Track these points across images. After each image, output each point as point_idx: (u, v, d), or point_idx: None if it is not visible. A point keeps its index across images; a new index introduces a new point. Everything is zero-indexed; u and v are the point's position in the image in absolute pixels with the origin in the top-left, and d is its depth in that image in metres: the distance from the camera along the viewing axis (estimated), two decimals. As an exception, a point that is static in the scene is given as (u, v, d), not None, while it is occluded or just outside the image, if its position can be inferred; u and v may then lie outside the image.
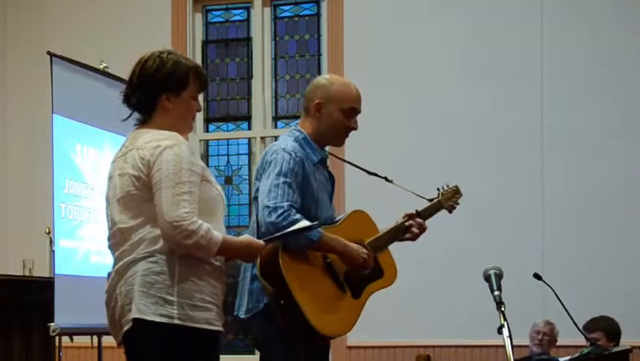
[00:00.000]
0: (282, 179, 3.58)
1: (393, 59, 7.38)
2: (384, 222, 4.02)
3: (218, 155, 7.96)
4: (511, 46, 7.15)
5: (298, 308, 3.53)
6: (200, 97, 3.36)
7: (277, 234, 3.42)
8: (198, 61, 6.84)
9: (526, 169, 7.06)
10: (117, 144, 5.73)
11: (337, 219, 3.85)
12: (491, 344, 6.54)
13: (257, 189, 3.70)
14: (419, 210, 4.07)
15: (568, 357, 5.37)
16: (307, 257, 3.63)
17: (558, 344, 6.24)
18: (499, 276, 3.32)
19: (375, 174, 4.29)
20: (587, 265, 6.85)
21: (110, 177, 3.24)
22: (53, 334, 5.54)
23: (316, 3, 7.79)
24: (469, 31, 7.24)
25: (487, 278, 3.32)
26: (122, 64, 6.04)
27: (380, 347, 7.19)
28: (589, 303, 6.15)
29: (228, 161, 7.93)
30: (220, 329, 3.16)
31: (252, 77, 7.87)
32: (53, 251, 5.82)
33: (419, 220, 4.02)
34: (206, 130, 7.97)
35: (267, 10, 7.86)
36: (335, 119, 3.81)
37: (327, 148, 3.97)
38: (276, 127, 7.75)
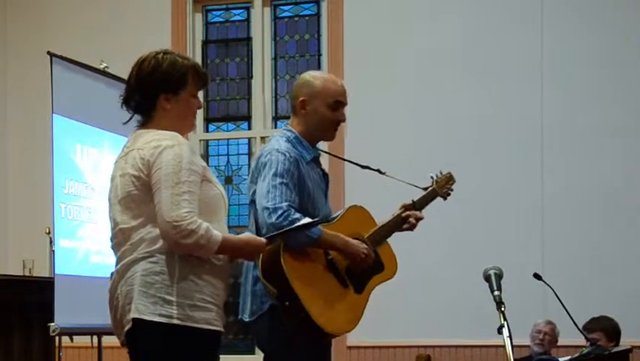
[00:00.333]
0: (278, 180, 3.60)
1: (393, 59, 7.38)
2: (385, 218, 4.03)
3: (218, 155, 7.97)
4: (511, 46, 7.15)
5: (303, 308, 3.54)
6: (200, 97, 3.36)
7: (278, 231, 3.43)
8: (198, 61, 6.84)
9: (526, 169, 7.06)
10: (117, 144, 5.78)
11: (335, 215, 3.86)
12: (491, 344, 6.54)
13: (253, 192, 3.71)
14: (415, 200, 4.09)
15: (568, 357, 5.37)
16: (309, 255, 3.64)
17: (558, 344, 6.24)
18: (499, 276, 3.31)
19: (368, 167, 4.31)
20: (587, 265, 6.85)
21: (112, 178, 3.24)
22: (53, 334, 5.54)
23: (316, 3, 7.80)
24: (469, 31, 7.24)
25: (487, 278, 3.32)
26: (122, 64, 6.04)
27: (380, 347, 7.19)
28: (589, 303, 6.16)
29: (228, 161, 7.93)
30: (220, 329, 3.16)
31: (252, 77, 7.87)
32: (53, 251, 5.82)
33: (415, 213, 4.03)
34: (206, 130, 7.97)
35: (267, 10, 7.86)
36: (321, 115, 3.81)
37: (323, 145, 3.96)
38: (276, 127, 7.74)
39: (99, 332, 5.98)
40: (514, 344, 3.13)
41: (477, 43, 7.22)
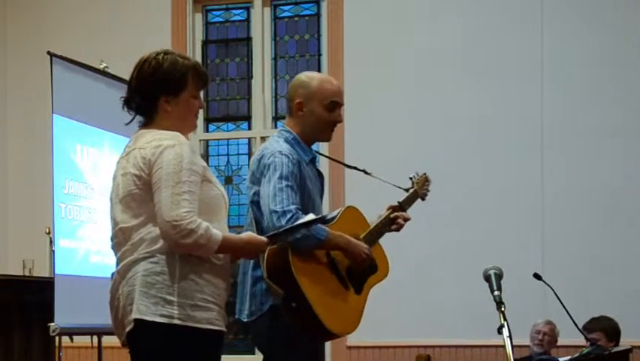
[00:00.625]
0: (284, 182, 3.60)
1: (394, 59, 7.38)
2: (373, 219, 4.06)
3: (218, 155, 7.97)
4: (511, 46, 7.15)
5: (311, 310, 3.54)
6: (201, 96, 3.36)
7: (280, 230, 3.43)
8: (198, 61, 6.84)
9: (526, 169, 7.06)
10: (117, 143, 5.79)
11: (332, 216, 3.87)
12: (491, 344, 6.54)
13: (254, 193, 3.71)
14: (400, 201, 4.12)
15: (568, 357, 5.37)
16: (314, 257, 3.65)
17: (558, 344, 6.25)
18: (499, 276, 3.31)
19: (355, 168, 4.33)
20: (587, 265, 6.86)
21: (114, 178, 3.25)
22: (53, 334, 5.54)
23: (316, 3, 7.79)
24: (469, 31, 7.24)
25: (487, 278, 3.32)
26: (122, 64, 6.04)
27: (380, 347, 7.19)
28: (589, 303, 6.16)
29: (228, 161, 7.93)
30: (222, 329, 3.16)
31: (252, 77, 7.87)
32: (53, 251, 5.82)
33: (403, 213, 4.06)
34: (206, 130, 7.97)
35: (267, 10, 7.86)
36: (318, 116, 3.79)
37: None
38: (275, 127, 7.74)
39: (99, 332, 5.98)
40: (514, 344, 3.13)
41: (477, 43, 7.23)
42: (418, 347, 7.10)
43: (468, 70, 7.20)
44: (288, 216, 3.52)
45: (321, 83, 3.81)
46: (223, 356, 3.27)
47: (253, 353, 7.29)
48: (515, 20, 7.17)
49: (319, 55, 7.76)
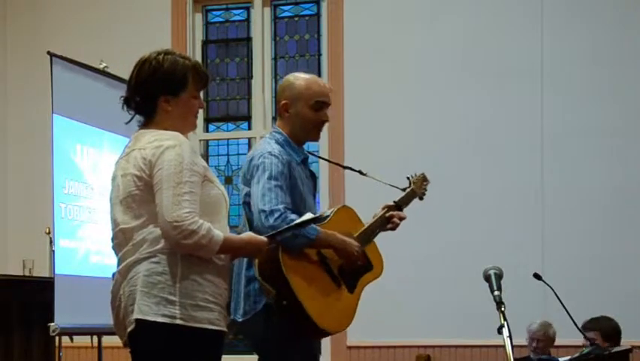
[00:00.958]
0: (273, 182, 3.64)
1: (393, 59, 7.38)
2: (369, 218, 4.06)
3: (218, 155, 7.97)
4: (511, 46, 7.15)
5: (302, 308, 3.57)
6: (201, 96, 3.36)
7: (280, 229, 3.46)
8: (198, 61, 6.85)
9: (526, 169, 7.06)
10: (117, 144, 5.79)
11: (326, 215, 3.89)
12: (491, 344, 6.54)
13: (246, 194, 3.77)
14: (396, 200, 4.15)
15: (568, 357, 5.37)
16: (305, 255, 3.67)
17: (558, 344, 6.24)
18: (499, 276, 3.31)
19: (350, 168, 4.39)
20: (587, 265, 6.85)
21: (114, 178, 3.24)
22: (53, 334, 5.54)
23: (316, 3, 7.79)
24: (468, 31, 7.24)
25: (487, 278, 3.32)
26: (122, 64, 6.03)
27: (380, 347, 7.19)
28: (589, 303, 6.15)
29: (228, 161, 7.93)
30: (223, 329, 3.16)
31: (252, 77, 7.87)
32: (53, 251, 5.82)
33: (399, 213, 4.09)
34: (206, 130, 7.97)
35: (267, 10, 7.86)
36: (304, 116, 3.83)
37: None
38: (276, 127, 7.74)
39: (99, 332, 5.98)
40: (514, 344, 3.13)
41: (477, 43, 7.23)
42: (418, 347, 7.10)
43: (468, 70, 7.20)
44: (276, 215, 3.56)
45: (306, 83, 3.85)
46: (223, 356, 3.27)
47: (253, 354, 7.27)
48: (515, 21, 7.17)
49: (319, 55, 7.76)
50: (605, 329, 5.65)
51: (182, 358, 3.06)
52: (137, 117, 3.27)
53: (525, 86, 7.09)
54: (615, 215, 6.91)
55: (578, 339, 5.61)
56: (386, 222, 4.04)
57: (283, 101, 3.85)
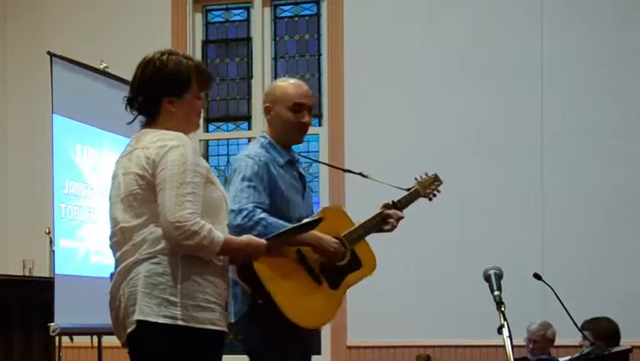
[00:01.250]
0: (245, 183, 3.72)
1: (393, 59, 7.38)
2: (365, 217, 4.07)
3: (218, 155, 7.97)
4: (511, 46, 7.15)
5: (275, 304, 3.63)
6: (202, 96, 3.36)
7: (279, 231, 3.48)
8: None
9: (526, 169, 7.06)
10: (117, 143, 5.79)
11: (313, 215, 3.92)
12: (491, 344, 6.54)
13: None
14: (396, 200, 4.17)
15: (568, 357, 5.37)
16: (281, 253, 3.70)
17: (558, 344, 6.24)
18: (499, 276, 3.31)
19: (350, 171, 4.45)
20: (587, 265, 6.86)
21: (114, 176, 3.23)
22: (53, 334, 5.54)
23: (316, 3, 7.79)
24: (468, 31, 7.25)
25: (487, 278, 3.32)
26: (122, 64, 6.04)
27: (380, 347, 7.19)
28: (589, 303, 6.15)
29: (228, 161, 7.93)
30: (224, 329, 3.16)
31: (252, 77, 7.87)
32: (53, 251, 5.82)
33: (396, 212, 4.10)
34: (206, 130, 7.97)
35: (267, 10, 7.86)
36: (284, 118, 3.91)
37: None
38: (276, 127, 7.74)
39: (99, 332, 5.98)
40: (514, 344, 3.13)
41: (477, 43, 7.22)
42: (418, 347, 7.10)
43: (468, 70, 7.20)
44: (244, 213, 3.63)
45: (286, 86, 3.97)
46: (223, 357, 3.27)
47: (253, 353, 7.29)
48: (515, 21, 7.17)
49: (319, 55, 7.76)
50: (597, 330, 5.61)
51: (183, 359, 3.06)
52: (139, 117, 3.27)
53: (525, 86, 7.09)
54: (615, 215, 6.91)
55: (578, 339, 5.62)
56: (382, 221, 4.07)
57: (266, 105, 3.97)
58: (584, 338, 5.36)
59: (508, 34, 7.17)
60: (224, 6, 8.00)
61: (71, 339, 6.13)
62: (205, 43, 8.00)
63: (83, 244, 5.92)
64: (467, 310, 6.79)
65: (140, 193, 3.11)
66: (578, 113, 7.01)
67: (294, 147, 4.06)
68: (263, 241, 3.28)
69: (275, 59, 7.86)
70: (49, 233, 6.07)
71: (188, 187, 3.03)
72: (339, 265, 3.86)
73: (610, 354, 4.90)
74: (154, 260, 3.06)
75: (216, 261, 3.14)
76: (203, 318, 3.07)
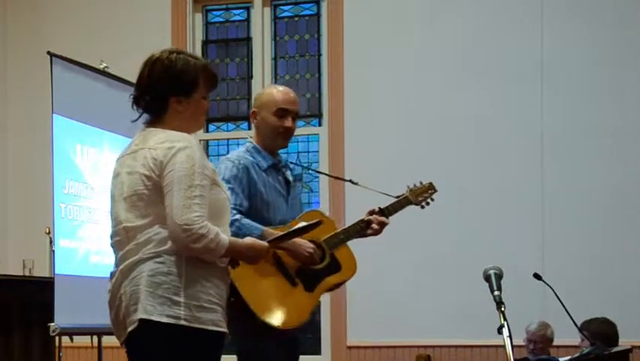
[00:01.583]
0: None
1: (393, 59, 7.38)
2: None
3: (218, 155, 7.96)
4: (511, 46, 7.15)
5: (246, 305, 3.69)
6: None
7: (281, 234, 3.52)
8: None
9: (526, 169, 7.06)
10: (117, 143, 5.79)
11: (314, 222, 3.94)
12: (491, 344, 6.54)
13: None
14: (382, 207, 4.21)
15: (568, 357, 5.36)
16: None
17: (558, 344, 6.25)
18: (499, 276, 3.31)
19: (340, 178, 4.62)
20: (587, 265, 6.85)
21: (117, 175, 3.21)
22: (53, 334, 5.54)
23: (316, 3, 7.79)
24: (469, 31, 7.24)
25: (487, 278, 3.32)
26: (122, 64, 6.05)
27: (380, 347, 7.19)
28: (589, 303, 6.15)
29: (228, 161, 7.92)
30: (225, 330, 3.16)
31: (252, 77, 7.87)
32: (53, 251, 5.82)
33: (378, 217, 4.15)
34: (206, 130, 7.97)
35: (267, 10, 7.86)
36: (269, 123, 4.02)
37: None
38: (276, 127, 7.73)
39: (99, 332, 5.98)
40: (514, 344, 3.13)
41: (477, 43, 7.22)
42: (418, 347, 7.10)
43: (468, 70, 7.20)
44: None
45: (273, 92, 4.09)
46: (223, 356, 3.27)
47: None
48: (515, 21, 7.17)
49: (319, 55, 7.76)
50: (592, 331, 5.61)
51: (184, 359, 3.06)
52: (143, 115, 3.26)
53: (525, 86, 7.09)
54: (615, 215, 6.91)
55: (578, 339, 5.62)
56: (365, 227, 4.12)
57: (252, 110, 4.09)
58: (584, 338, 5.35)
59: (508, 34, 7.17)
60: (224, 6, 8.00)
61: (71, 339, 6.13)
62: (205, 43, 8.00)
63: (83, 244, 5.92)
64: (467, 310, 6.79)
65: (146, 194, 3.10)
66: (578, 113, 7.01)
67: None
68: (265, 243, 3.29)
69: (275, 59, 7.86)
70: (49, 233, 6.07)
71: (196, 190, 3.03)
72: (315, 268, 3.93)
73: (610, 354, 4.90)
74: (158, 260, 3.06)
75: (218, 262, 3.14)
76: (206, 319, 3.07)
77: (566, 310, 4.72)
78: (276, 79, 7.82)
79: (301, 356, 4.09)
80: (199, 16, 7.97)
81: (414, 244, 6.98)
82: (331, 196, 7.30)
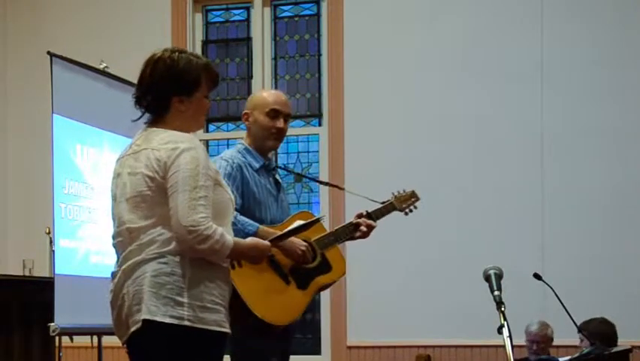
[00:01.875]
0: None
1: (393, 59, 7.38)
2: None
3: (218, 155, 7.96)
4: (511, 46, 7.15)
5: (243, 302, 3.71)
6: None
7: (281, 233, 3.53)
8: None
9: (526, 169, 7.06)
10: (117, 143, 5.79)
11: (315, 219, 3.99)
12: (491, 344, 6.54)
13: None
14: (369, 210, 4.28)
15: (568, 357, 5.37)
16: None
17: (558, 344, 6.25)
18: (499, 276, 3.31)
19: (328, 184, 4.83)
20: (587, 265, 6.85)
21: (118, 175, 3.20)
22: (53, 334, 5.53)
23: (316, 3, 7.79)
24: (469, 31, 7.24)
25: (487, 278, 3.32)
26: (122, 64, 6.06)
27: (380, 347, 7.19)
28: (589, 303, 6.15)
29: (228, 161, 7.92)
30: (228, 331, 3.16)
31: (252, 77, 7.87)
32: (53, 251, 5.81)
33: (366, 220, 4.21)
34: (206, 130, 7.97)
35: (267, 10, 7.86)
36: (261, 123, 4.09)
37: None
38: (275, 127, 7.73)
39: (99, 332, 5.98)
40: (514, 344, 3.13)
41: (477, 43, 7.22)
42: (418, 347, 7.10)
43: (468, 70, 7.20)
44: None
45: (265, 94, 4.21)
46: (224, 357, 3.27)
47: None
48: (515, 21, 7.17)
49: (319, 55, 7.76)
50: (591, 331, 5.60)
51: (186, 359, 3.06)
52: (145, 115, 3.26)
53: (525, 86, 7.09)
54: (615, 215, 6.91)
55: (577, 339, 5.62)
56: (354, 229, 4.18)
57: (244, 112, 4.16)
58: (587, 338, 5.35)
59: (508, 34, 7.17)
60: (224, 6, 8.00)
61: (71, 339, 6.13)
62: (205, 43, 8.00)
63: (83, 244, 5.92)
64: (467, 311, 6.79)
65: (150, 195, 3.09)
66: (578, 113, 7.01)
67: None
68: (267, 243, 3.29)
69: (275, 59, 7.86)
70: (49, 233, 6.06)
71: (201, 191, 3.03)
72: (308, 267, 3.98)
73: (610, 354, 4.90)
74: (161, 260, 3.05)
75: (222, 263, 3.14)
76: (210, 319, 3.07)
77: (565, 310, 4.72)
78: (276, 79, 7.82)
79: (301, 356, 4.11)
80: (199, 16, 7.97)
81: (413, 244, 6.98)
82: (331, 197, 7.29)
